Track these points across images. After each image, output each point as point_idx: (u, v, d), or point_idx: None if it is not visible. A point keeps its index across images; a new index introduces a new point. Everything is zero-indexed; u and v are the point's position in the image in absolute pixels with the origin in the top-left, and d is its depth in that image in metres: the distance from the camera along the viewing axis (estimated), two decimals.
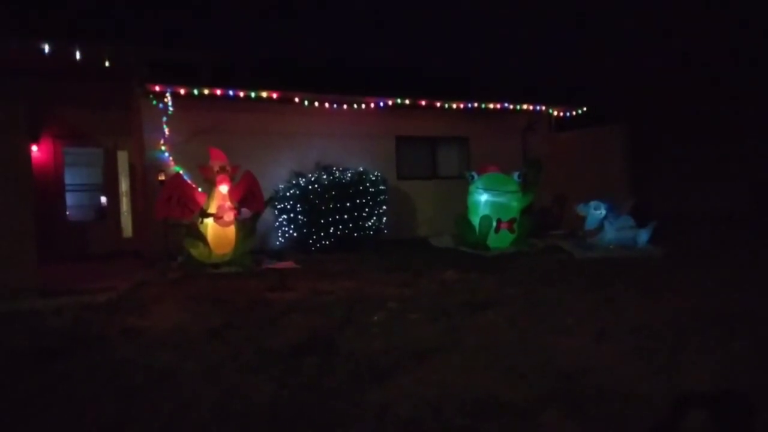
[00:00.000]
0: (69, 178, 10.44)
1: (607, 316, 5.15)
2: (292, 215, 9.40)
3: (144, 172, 9.39)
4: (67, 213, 10.39)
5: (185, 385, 3.66)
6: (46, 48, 7.71)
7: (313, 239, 9.36)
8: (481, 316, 5.26)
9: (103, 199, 10.95)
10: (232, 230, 8.27)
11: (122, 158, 10.73)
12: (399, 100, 10.82)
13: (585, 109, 12.82)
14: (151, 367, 3.98)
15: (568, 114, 12.96)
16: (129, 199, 10.79)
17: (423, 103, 11.12)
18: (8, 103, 6.46)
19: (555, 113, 12.86)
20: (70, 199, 10.48)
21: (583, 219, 9.64)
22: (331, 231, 9.41)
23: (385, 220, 10.23)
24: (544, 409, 3.20)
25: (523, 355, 4.15)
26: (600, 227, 9.32)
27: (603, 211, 9.32)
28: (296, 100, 10.03)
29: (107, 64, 8.10)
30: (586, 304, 5.68)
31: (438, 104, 11.31)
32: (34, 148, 9.56)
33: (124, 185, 10.84)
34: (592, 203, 9.45)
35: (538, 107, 12.42)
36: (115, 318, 5.35)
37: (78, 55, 8.00)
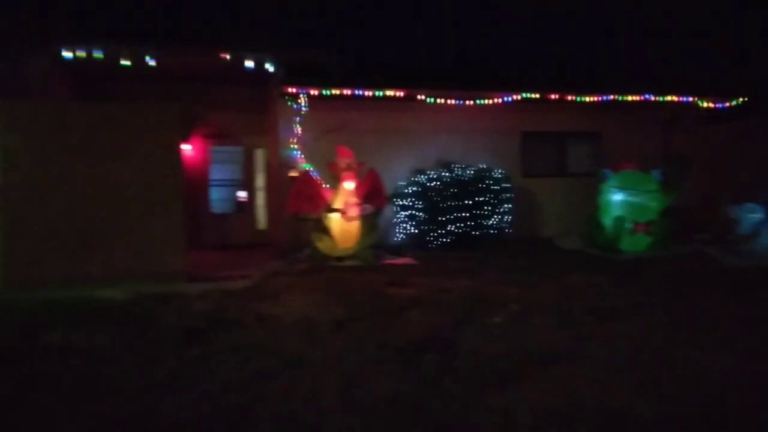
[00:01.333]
0: (214, 174, 11.48)
1: (761, 334, 4.53)
2: (411, 212, 9.48)
3: (278, 169, 10.03)
4: (211, 206, 11.43)
5: (312, 373, 3.84)
6: (219, 55, 8.48)
7: (432, 236, 9.37)
8: (613, 324, 4.90)
9: (242, 194, 11.87)
10: (355, 225, 8.55)
11: (259, 156, 11.57)
12: (526, 95, 10.43)
13: (743, 99, 11.36)
14: (282, 353, 4.23)
15: (721, 105, 11.57)
16: (264, 193, 11.60)
17: (553, 97, 10.61)
18: (166, 106, 7.25)
19: (705, 104, 11.54)
20: (213, 193, 11.52)
21: (734, 223, 8.58)
22: (450, 228, 9.34)
23: (508, 219, 9.93)
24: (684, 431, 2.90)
25: (661, 370, 3.79)
26: (755, 232, 8.25)
27: (759, 215, 8.24)
28: (421, 97, 10.09)
29: (251, 65, 8.74)
30: (734, 318, 5.05)
31: (569, 98, 10.72)
32: (186, 146, 10.63)
33: (260, 181, 11.68)
34: (747, 206, 8.40)
35: (685, 99, 11.25)
36: (250, 305, 5.77)
37: (229, 59, 8.75)
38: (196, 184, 10.79)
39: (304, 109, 9.67)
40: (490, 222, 9.63)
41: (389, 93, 9.83)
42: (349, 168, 8.59)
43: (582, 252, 9.28)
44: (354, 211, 8.49)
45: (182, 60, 8.85)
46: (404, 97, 9.96)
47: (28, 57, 7.78)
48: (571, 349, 4.26)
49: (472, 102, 10.46)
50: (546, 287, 6.46)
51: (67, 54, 8.06)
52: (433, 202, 9.24)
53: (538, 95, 10.50)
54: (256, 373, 3.83)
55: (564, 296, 6.01)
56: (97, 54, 8.07)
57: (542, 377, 3.71)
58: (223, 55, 8.41)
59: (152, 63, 8.28)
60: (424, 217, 9.32)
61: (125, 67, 8.92)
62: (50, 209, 6.77)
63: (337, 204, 8.52)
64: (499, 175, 9.87)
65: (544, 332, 4.72)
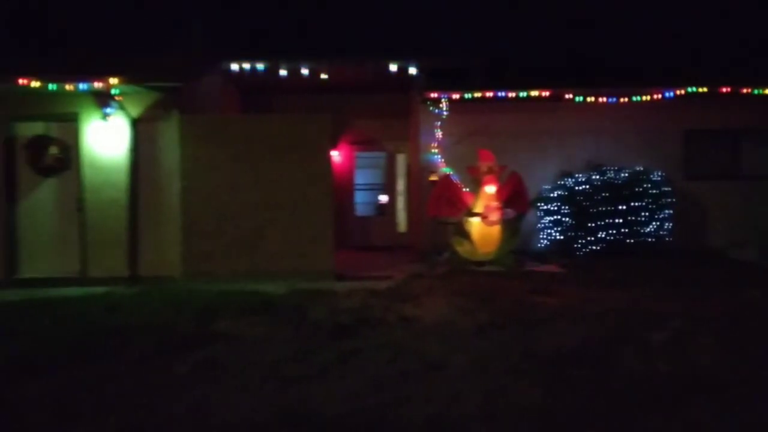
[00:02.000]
0: (358, 179, 12.02)
1: None
2: (557, 217, 9.03)
3: (418, 173, 10.20)
4: (355, 209, 11.98)
5: (454, 377, 3.82)
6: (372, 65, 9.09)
7: (579, 243, 8.83)
8: None
9: (383, 197, 12.27)
10: (496, 230, 8.36)
11: (401, 161, 11.88)
12: (691, 89, 9.39)
13: None
14: (424, 355, 4.28)
15: None
16: (404, 197, 11.88)
17: (724, 90, 9.43)
18: (318, 116, 7.76)
19: None
20: (357, 197, 12.06)
21: None
22: (600, 235, 8.73)
23: (668, 226, 9.01)
24: None
25: None
26: None
27: None
28: (568, 96, 9.59)
29: (394, 69, 9.11)
30: None
31: (744, 91, 9.44)
32: (334, 153, 11.28)
33: (401, 185, 11.97)
34: None
35: None
36: (393, 305, 5.92)
37: (380, 69, 9.21)
38: (342, 189, 11.38)
39: (444, 113, 9.71)
40: (647, 229, 8.81)
41: (533, 93, 9.48)
42: (490, 171, 8.43)
43: (760, 266, 8.10)
44: (495, 216, 8.31)
45: (338, 72, 9.44)
46: (549, 96, 9.54)
47: (203, 76, 8.81)
48: (750, 377, 3.73)
49: (626, 99, 9.68)
50: (715, 303, 5.74)
51: (234, 68, 9.04)
52: (582, 207, 8.70)
53: (705, 89, 9.40)
54: (400, 373, 3.91)
55: (738, 315, 5.29)
56: (260, 67, 9.02)
57: (715, 407, 3.29)
58: (389, 66, 8.92)
59: (324, 77, 9.15)
60: (571, 223, 8.82)
61: (282, 82, 9.74)
62: (219, 211, 7.59)
63: (478, 208, 8.41)
64: (658, 178, 9.01)
65: (714, 355, 4.19)
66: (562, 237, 9.01)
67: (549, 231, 9.21)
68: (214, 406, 3.44)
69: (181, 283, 7.27)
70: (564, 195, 8.94)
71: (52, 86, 7.18)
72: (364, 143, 11.75)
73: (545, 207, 9.21)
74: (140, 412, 3.37)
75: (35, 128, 7.70)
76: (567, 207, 8.85)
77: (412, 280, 7.38)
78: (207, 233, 7.58)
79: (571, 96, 9.58)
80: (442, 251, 8.92)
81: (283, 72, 9.20)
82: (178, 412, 3.37)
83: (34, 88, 7.13)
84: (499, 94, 9.52)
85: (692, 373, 3.80)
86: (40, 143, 7.64)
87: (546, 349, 4.37)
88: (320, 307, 5.85)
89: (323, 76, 9.29)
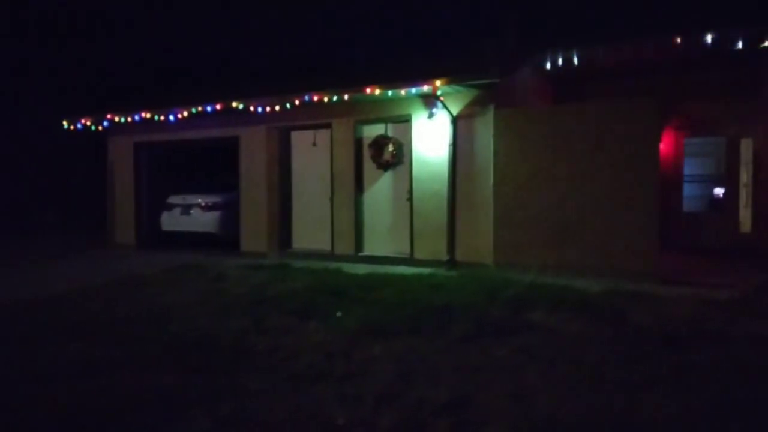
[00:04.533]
0: (687, 169, 10.45)
1: None
2: None
3: None
4: (682, 203, 10.44)
5: None
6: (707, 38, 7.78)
7: None
8: None
9: (719, 191, 10.40)
10: None
11: (745, 147, 9.84)
12: None
13: None
14: None
15: None
16: (749, 190, 9.80)
17: None
18: (640, 99, 7.05)
19: None
20: (685, 189, 10.49)
21: None
22: None
23: None
24: None
25: None
26: None
27: None
28: None
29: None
30: None
31: None
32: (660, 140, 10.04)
33: (744, 176, 9.93)
34: None
35: None
36: (739, 319, 4.94)
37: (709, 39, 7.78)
38: (667, 180, 10.08)
39: None
40: None
41: None
42: None
43: None
44: None
45: (664, 48, 8.33)
46: None
47: (517, 70, 8.90)
48: None
49: None
50: None
51: (548, 58, 8.85)
52: None
53: None
54: (756, 400, 3.21)
55: None
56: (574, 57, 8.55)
57: None
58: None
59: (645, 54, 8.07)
60: None
61: (596, 67, 9.11)
62: (532, 203, 7.60)
63: None
64: None
65: None
66: None
67: None
68: (534, 396, 3.44)
69: (493, 270, 7.56)
70: None
71: (389, 93, 8.26)
72: (695, 128, 10.13)
73: None
74: (466, 386, 3.60)
75: (376, 129, 9.05)
76: None
77: (763, 292, 6.03)
78: (517, 224, 7.68)
79: None
80: None
81: (606, 53, 8.48)
82: (501, 394, 3.47)
83: (376, 95, 8.33)
84: None
85: None
86: (380, 142, 8.95)
87: None
88: (643, 310, 5.30)
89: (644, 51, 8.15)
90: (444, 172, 8.33)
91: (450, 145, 8.29)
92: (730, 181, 10.05)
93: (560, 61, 9.04)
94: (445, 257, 8.26)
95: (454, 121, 8.26)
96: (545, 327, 4.89)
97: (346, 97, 8.47)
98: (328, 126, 9.41)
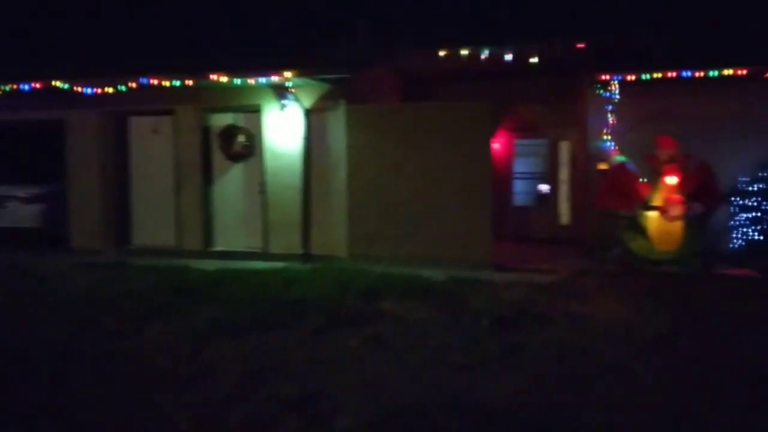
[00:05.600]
0: (517, 167, 11.61)
1: None
2: (756, 214, 7.83)
3: (585, 161, 9.52)
4: (513, 198, 11.59)
5: (634, 387, 3.50)
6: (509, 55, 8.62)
7: None
8: None
9: (543, 187, 11.70)
10: (677, 226, 7.48)
11: (564, 148, 11.20)
12: None
13: None
14: (597, 358, 3.98)
15: None
16: (567, 187, 11.20)
17: None
18: (477, 104, 7.67)
19: None
20: (516, 186, 11.65)
21: None
22: None
23: None
24: None
25: None
26: None
27: None
28: None
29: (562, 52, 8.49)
30: None
31: None
32: (494, 140, 11.00)
33: (563, 174, 11.30)
34: None
35: None
36: (559, 301, 5.62)
37: (536, 58, 8.72)
38: (500, 177, 11.08)
39: (616, 97, 8.90)
40: None
41: (727, 72, 8.26)
42: (671, 161, 7.56)
43: None
44: (677, 210, 7.43)
45: (497, 57, 9.10)
46: (747, 76, 8.24)
47: (369, 67, 9.12)
48: None
49: None
50: None
51: (399, 57, 9.18)
52: None
53: None
54: (571, 374, 3.69)
55: None
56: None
57: None
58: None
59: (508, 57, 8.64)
60: None
61: (442, 70, 9.69)
62: (382, 197, 7.86)
63: (656, 201, 7.60)
64: None
65: None
66: (761, 237, 7.79)
67: (745, 230, 8.01)
68: (384, 383, 3.56)
69: (347, 263, 7.68)
70: (765, 188, 7.70)
71: (237, 81, 7.97)
72: (525, 130, 11.28)
73: (741, 202, 8.02)
74: (318, 379, 3.62)
75: (226, 119, 8.66)
76: None
77: (579, 276, 6.94)
78: (370, 218, 7.90)
79: None
80: (610, 247, 8.24)
81: (462, 54, 8.98)
82: (351, 383, 3.55)
83: (223, 83, 7.96)
84: (684, 74, 8.46)
85: None
86: (229, 132, 8.57)
87: (743, 365, 3.80)
88: (480, 296, 5.77)
89: (483, 56, 8.78)
90: (297, 165, 8.25)
91: (304, 138, 8.23)
92: (552, 178, 11.39)
93: (409, 62, 9.47)
94: (300, 251, 8.20)
95: (307, 113, 8.22)
96: (394, 315, 5.10)
97: (190, 82, 7.99)
98: (171, 112, 8.78)
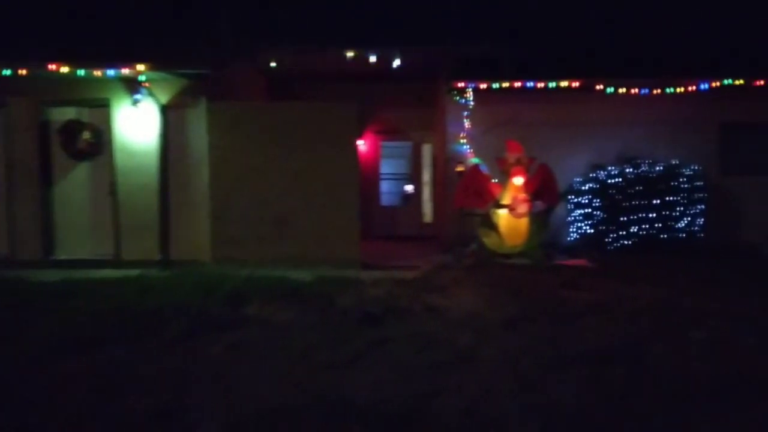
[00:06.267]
0: (383, 168, 11.98)
1: None
2: (588, 210, 8.88)
3: (444, 163, 10.11)
4: (381, 199, 11.95)
5: (485, 370, 3.79)
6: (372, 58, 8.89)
7: (610, 238, 8.67)
8: None
9: (409, 188, 12.22)
10: (524, 222, 8.26)
11: (426, 151, 11.80)
12: (727, 82, 9.12)
13: None
14: (454, 347, 4.25)
15: None
16: (430, 188, 11.81)
17: (759, 83, 9.13)
18: (344, 105, 7.74)
19: None
20: (383, 186, 12.03)
21: None
22: (632, 230, 8.56)
23: (701, 222, 8.80)
24: None
25: None
26: None
27: None
28: (598, 87, 9.38)
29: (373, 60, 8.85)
30: None
31: None
32: (360, 142, 11.24)
33: (426, 175, 11.90)
34: None
35: None
36: (420, 295, 5.90)
37: (398, 62, 9.06)
38: (367, 178, 11.36)
39: (471, 103, 9.59)
40: (680, 225, 8.62)
41: (563, 84, 9.30)
42: (518, 163, 8.32)
43: None
44: (523, 208, 8.21)
45: (363, 60, 9.31)
46: (580, 87, 9.35)
47: (231, 64, 8.83)
48: None
49: (659, 91, 9.44)
50: (754, 302, 5.58)
51: (263, 56, 8.99)
52: (614, 200, 8.54)
53: (742, 81, 9.11)
54: (430, 364, 3.89)
55: None
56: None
57: (761, 408, 3.20)
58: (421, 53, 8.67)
59: (350, 56, 8.72)
60: (603, 217, 8.66)
61: (308, 71, 9.69)
62: (247, 198, 7.64)
63: (506, 199, 8.31)
64: (692, 173, 8.79)
65: (757, 354, 4.07)
66: (592, 231, 8.86)
67: (579, 224, 9.06)
68: (248, 388, 3.47)
69: (210, 268, 7.35)
70: (596, 188, 8.77)
71: (80, 72, 7.26)
72: (390, 132, 11.70)
73: (576, 200, 9.06)
74: (176, 390, 3.42)
75: (67, 113, 7.83)
76: (599, 200, 8.69)
77: (439, 271, 7.34)
78: (235, 220, 7.64)
79: (602, 87, 9.37)
80: (468, 243, 8.85)
81: (318, 57, 9.02)
82: (214, 392, 3.40)
83: (65, 74, 7.21)
84: (528, 84, 9.36)
85: (734, 375, 3.70)
86: (72, 127, 7.76)
87: (577, 344, 4.30)
88: (347, 295, 5.86)
89: (349, 54, 8.90)
90: (153, 164, 7.72)
91: (160, 136, 7.72)
92: (416, 179, 11.93)
93: (275, 61, 9.32)
94: (157, 256, 7.67)
95: (164, 110, 7.72)
96: (260, 319, 4.99)
97: (24, 72, 7.12)
98: (3, 105, 7.73)
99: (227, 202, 7.66)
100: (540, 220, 8.32)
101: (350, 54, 8.67)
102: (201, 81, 7.64)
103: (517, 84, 9.37)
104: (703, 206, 8.79)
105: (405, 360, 3.97)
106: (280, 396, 3.37)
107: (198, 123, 7.73)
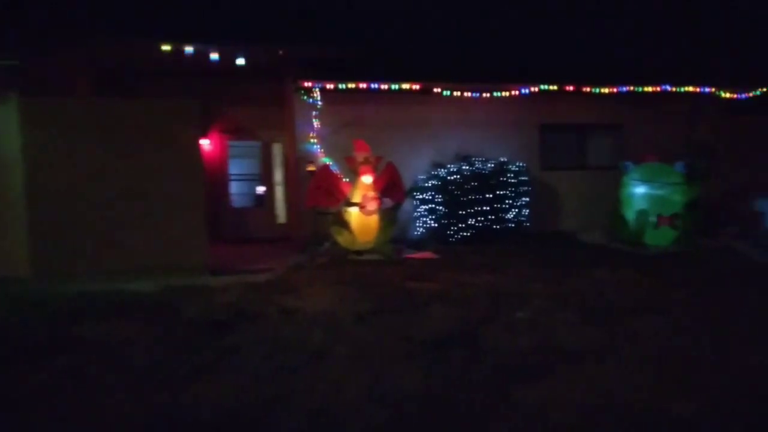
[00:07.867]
0: (232, 169, 11.55)
1: None
2: (431, 206, 9.46)
3: (296, 163, 10.06)
4: (231, 200, 11.51)
5: (336, 367, 3.85)
6: (214, 55, 8.51)
7: (452, 230, 9.34)
8: (641, 320, 4.84)
9: (260, 188, 11.94)
10: (374, 219, 8.54)
11: (277, 150, 11.61)
12: (544, 87, 10.32)
13: (764, 90, 11.17)
14: (305, 347, 4.26)
15: (741, 96, 11.36)
16: (283, 188, 11.64)
17: (570, 89, 10.49)
18: (185, 101, 7.30)
19: (725, 95, 11.32)
20: (233, 187, 11.59)
21: (761, 216, 8.42)
22: (470, 222, 9.31)
23: (527, 213, 9.87)
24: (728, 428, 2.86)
25: (697, 368, 3.74)
26: None
27: None
28: (436, 90, 10.02)
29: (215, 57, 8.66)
30: (765, 315, 4.97)
31: (586, 90, 10.58)
32: (205, 141, 10.70)
33: (278, 175, 11.72)
34: None
35: (704, 89, 11.06)
36: (274, 297, 5.81)
37: (242, 60, 8.77)
38: (215, 179, 10.87)
39: (319, 103, 9.66)
40: (510, 216, 9.58)
41: (405, 86, 9.78)
42: (366, 162, 8.57)
43: (605, 246, 9.18)
44: (372, 205, 8.48)
45: (203, 56, 8.85)
46: (420, 90, 9.91)
47: (51, 54, 7.85)
48: (599, 345, 4.23)
49: (488, 94, 10.37)
50: (570, 282, 6.40)
51: (89, 45, 8.11)
52: (453, 195, 9.20)
53: (555, 87, 10.38)
54: (281, 367, 3.85)
55: (589, 291, 5.96)
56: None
57: (569, 373, 3.68)
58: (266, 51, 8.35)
59: (188, 51, 8.24)
60: (444, 211, 9.29)
61: (144, 62, 8.97)
62: (73, 205, 6.86)
63: (356, 198, 8.52)
64: (518, 168, 9.81)
65: (569, 328, 4.68)
66: (436, 225, 9.46)
67: (424, 219, 9.61)
68: (78, 418, 3.13)
69: (31, 285, 6.48)
70: (437, 184, 9.37)
71: None
72: (237, 132, 11.30)
73: (420, 196, 9.60)
74: None
75: None
76: (440, 196, 9.29)
77: (293, 271, 7.30)
78: (62, 229, 6.82)
79: (439, 90, 10.02)
80: (322, 242, 8.92)
81: (144, 51, 8.38)
82: (39, 427, 3.02)
83: None
84: (373, 86, 9.68)
85: (551, 346, 4.21)
86: None
87: (423, 332, 4.57)
88: (194, 303, 5.57)
89: (165, 47, 8.36)
90: None
91: None
92: (268, 179, 11.69)
93: (105, 54, 8.49)
94: None
95: None
96: (94, 340, 4.52)
97: None
98: None
99: (51, 210, 6.80)
100: (389, 216, 8.66)
101: (166, 48, 8.13)
102: (11, 73, 6.69)
103: (363, 85, 9.65)
104: (527, 199, 9.85)
105: (254, 366, 3.88)
106: (114, 422, 3.09)
107: (8, 121, 6.76)
